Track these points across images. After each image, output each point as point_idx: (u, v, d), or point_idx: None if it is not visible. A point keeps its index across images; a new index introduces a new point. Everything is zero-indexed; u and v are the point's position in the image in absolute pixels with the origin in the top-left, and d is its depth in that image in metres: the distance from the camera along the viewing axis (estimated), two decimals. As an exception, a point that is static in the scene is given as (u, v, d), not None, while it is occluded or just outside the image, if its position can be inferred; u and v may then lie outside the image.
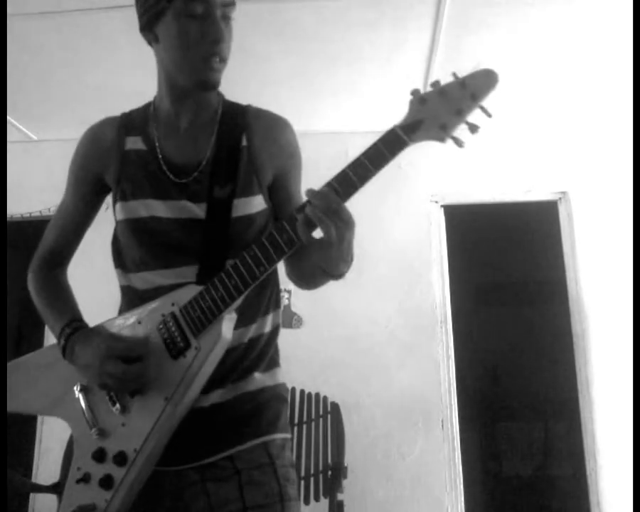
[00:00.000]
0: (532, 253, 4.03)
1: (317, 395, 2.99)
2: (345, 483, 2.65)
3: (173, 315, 1.03)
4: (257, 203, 1.12)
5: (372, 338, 3.33)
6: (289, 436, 1.17)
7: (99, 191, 1.21)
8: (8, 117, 3.36)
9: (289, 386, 3.14)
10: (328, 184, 0.96)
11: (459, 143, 0.97)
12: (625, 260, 3.21)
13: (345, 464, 2.71)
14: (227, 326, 1.02)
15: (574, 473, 3.65)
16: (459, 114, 0.95)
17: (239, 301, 1.01)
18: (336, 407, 2.95)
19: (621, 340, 3.18)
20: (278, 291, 1.21)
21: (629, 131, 3.12)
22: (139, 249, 1.12)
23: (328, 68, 2.90)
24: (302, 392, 2.99)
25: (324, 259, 1.00)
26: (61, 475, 2.70)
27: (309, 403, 2.97)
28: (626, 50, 2.72)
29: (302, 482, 2.69)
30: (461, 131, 0.98)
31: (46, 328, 3.58)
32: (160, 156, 1.13)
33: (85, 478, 1.03)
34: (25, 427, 3.38)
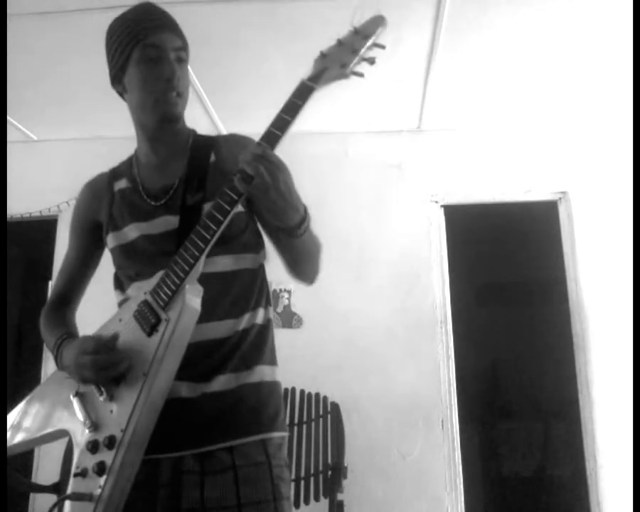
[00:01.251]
0: (532, 253, 4.03)
1: (317, 395, 2.99)
2: (345, 483, 2.65)
3: (145, 301, 1.12)
4: None
5: (372, 338, 3.33)
6: (286, 434, 1.24)
7: (98, 238, 1.34)
8: (8, 117, 3.36)
9: (289, 386, 3.16)
10: (256, 143, 1.10)
11: (359, 74, 1.15)
12: (625, 260, 3.21)
13: (345, 464, 2.71)
14: (190, 294, 1.08)
15: (574, 473, 3.65)
16: (355, 52, 1.13)
17: (198, 269, 1.09)
18: (335, 407, 2.95)
19: (621, 340, 3.18)
20: (268, 291, 1.31)
21: (629, 131, 3.13)
22: (133, 266, 1.24)
23: (328, 68, 2.90)
24: (302, 392, 2.99)
25: (273, 210, 1.08)
26: (61, 475, 2.70)
27: (309, 403, 2.98)
28: (626, 49, 2.72)
29: (302, 482, 2.70)
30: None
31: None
32: (140, 187, 1.28)
33: (83, 473, 1.07)
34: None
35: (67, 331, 1.27)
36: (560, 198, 3.54)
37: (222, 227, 1.07)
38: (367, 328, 3.35)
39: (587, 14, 2.54)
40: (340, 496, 2.59)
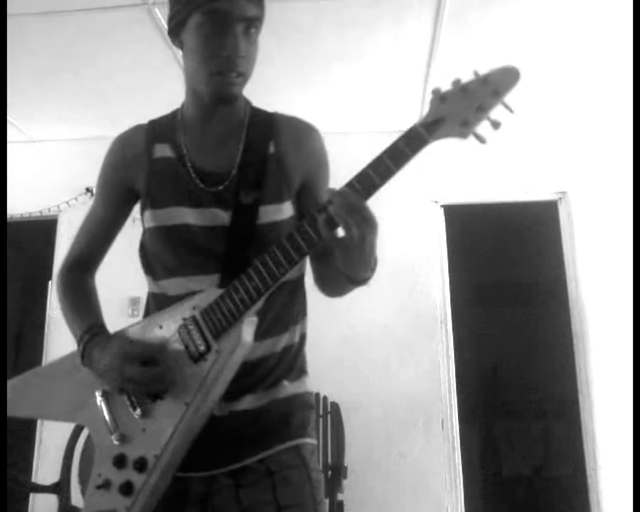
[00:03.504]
0: (532, 253, 4.02)
1: (317, 395, 2.99)
2: (345, 483, 2.65)
3: (193, 319, 1.03)
4: (285, 210, 1.11)
5: (372, 338, 3.33)
6: (316, 442, 1.17)
7: (129, 199, 1.21)
8: (8, 117, 3.35)
9: (289, 386, 3.13)
10: (349, 184, 0.93)
11: (481, 139, 0.95)
12: (625, 260, 3.21)
13: (345, 464, 2.71)
14: (247, 329, 1.00)
15: (574, 473, 3.64)
16: (481, 110, 0.94)
17: (259, 304, 1.00)
18: (336, 407, 2.95)
19: (621, 341, 3.18)
20: (305, 300, 1.22)
21: (629, 131, 3.12)
22: (171, 256, 1.12)
23: (327, 68, 2.90)
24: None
25: (347, 263, 0.97)
26: (61, 475, 2.70)
27: (309, 403, 2.98)
28: (626, 49, 2.72)
29: (302, 482, 2.70)
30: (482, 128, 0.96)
31: (46, 329, 3.57)
32: (189, 164, 1.13)
33: (105, 485, 1.03)
34: (25, 428, 3.38)
35: (95, 323, 1.15)
36: (560, 198, 3.54)
37: (295, 265, 0.96)
38: (367, 328, 3.35)
39: (586, 15, 2.54)
40: (340, 496, 2.59)
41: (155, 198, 1.13)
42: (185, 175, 1.12)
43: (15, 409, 1.18)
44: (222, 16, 1.02)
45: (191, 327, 1.02)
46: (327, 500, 2.58)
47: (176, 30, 1.09)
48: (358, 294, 3.93)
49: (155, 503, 1.01)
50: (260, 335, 1.07)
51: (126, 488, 1.00)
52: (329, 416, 2.92)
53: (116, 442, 1.04)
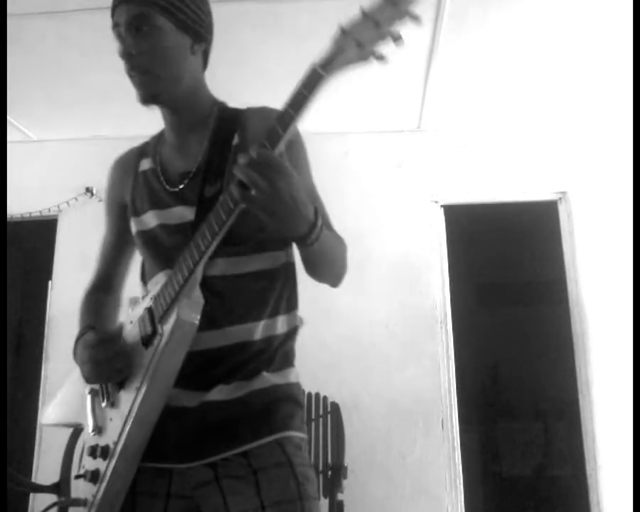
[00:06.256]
0: (532, 253, 4.03)
1: (317, 395, 2.99)
2: (345, 483, 2.65)
3: (149, 308, 1.09)
4: None
5: (372, 338, 3.33)
6: (305, 436, 1.15)
7: (126, 216, 1.26)
8: (8, 117, 3.35)
9: (289, 386, 3.13)
10: (258, 143, 0.92)
11: (380, 58, 0.93)
12: (625, 260, 3.21)
13: (345, 464, 2.71)
14: (185, 308, 1.01)
15: (574, 473, 3.65)
16: (377, 26, 0.90)
17: (195, 280, 1.02)
18: (336, 407, 2.95)
19: (621, 341, 3.18)
20: (293, 293, 1.19)
21: (629, 131, 3.12)
22: (151, 257, 1.19)
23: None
24: (302, 392, 2.99)
25: (273, 220, 0.92)
26: (61, 475, 2.70)
27: (309, 403, 2.98)
28: (626, 49, 2.72)
29: (302, 482, 2.70)
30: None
31: (46, 329, 3.57)
32: (159, 169, 1.20)
33: (84, 475, 1.07)
34: (25, 428, 3.38)
35: (89, 324, 1.20)
36: (560, 198, 3.54)
37: (219, 236, 0.97)
38: (367, 328, 3.34)
39: (586, 14, 2.54)
40: (340, 496, 2.59)
41: (135, 206, 1.21)
42: (157, 182, 1.19)
43: (46, 417, 1.29)
44: (117, 28, 1.11)
45: (146, 316, 1.08)
46: (327, 500, 2.58)
47: None
48: (358, 294, 3.94)
49: (120, 491, 1.04)
50: (229, 321, 1.08)
51: (94, 476, 1.05)
52: (329, 416, 2.92)
53: (92, 434, 1.10)
